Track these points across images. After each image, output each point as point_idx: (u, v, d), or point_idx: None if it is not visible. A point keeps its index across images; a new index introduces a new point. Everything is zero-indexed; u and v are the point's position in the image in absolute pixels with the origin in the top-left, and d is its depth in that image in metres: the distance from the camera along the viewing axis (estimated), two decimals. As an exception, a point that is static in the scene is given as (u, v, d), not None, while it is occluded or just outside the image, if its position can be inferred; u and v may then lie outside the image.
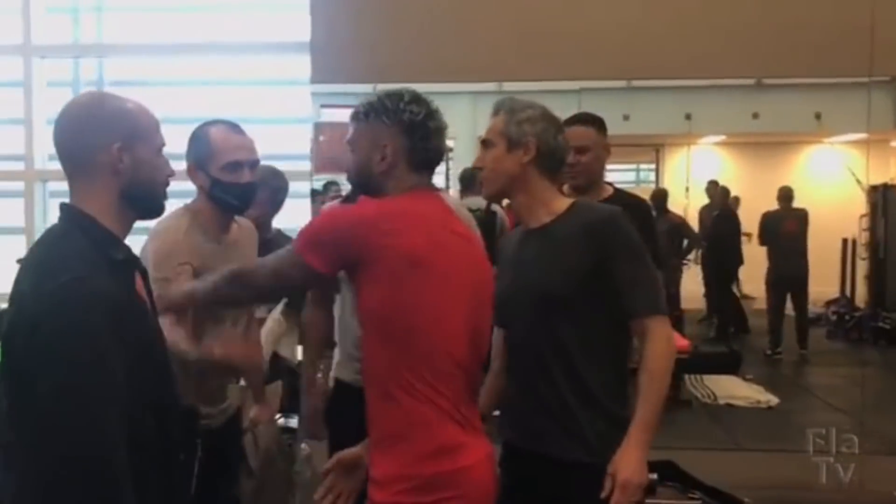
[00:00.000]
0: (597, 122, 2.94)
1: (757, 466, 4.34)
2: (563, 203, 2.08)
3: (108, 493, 1.34)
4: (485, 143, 2.07)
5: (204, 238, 2.34)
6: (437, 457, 1.74)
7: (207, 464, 2.39)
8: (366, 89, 5.26)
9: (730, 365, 6.65)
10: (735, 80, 7.83)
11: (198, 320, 2.28)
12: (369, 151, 1.83)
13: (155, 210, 1.61)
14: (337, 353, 2.69)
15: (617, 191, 3.02)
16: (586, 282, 1.95)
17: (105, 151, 1.50)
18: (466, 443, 1.78)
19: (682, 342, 5.55)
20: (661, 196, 8.01)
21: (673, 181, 9.70)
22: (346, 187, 8.09)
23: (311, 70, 4.22)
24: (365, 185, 1.89)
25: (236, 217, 2.47)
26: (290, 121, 5.24)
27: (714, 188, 8.86)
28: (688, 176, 10.57)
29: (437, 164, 1.87)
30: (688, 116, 10.02)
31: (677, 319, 7.38)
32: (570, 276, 1.95)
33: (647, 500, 2.05)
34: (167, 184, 1.61)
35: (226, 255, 2.33)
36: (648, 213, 3.10)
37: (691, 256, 8.06)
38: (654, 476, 2.98)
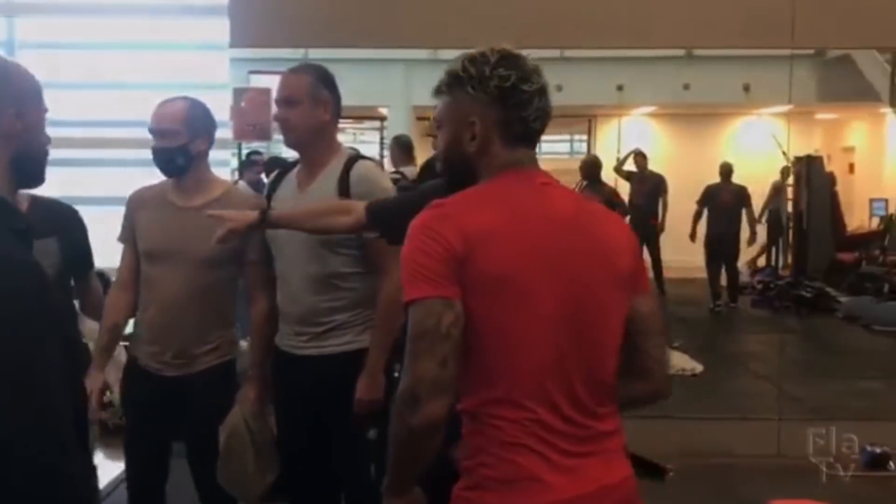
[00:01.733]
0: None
1: (682, 434, 4.40)
2: None
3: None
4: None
5: (159, 204, 2.51)
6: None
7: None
8: (296, 55, 5.16)
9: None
10: (666, 51, 7.94)
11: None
12: (457, 130, 1.58)
13: (39, 177, 1.52)
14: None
15: None
16: None
17: (1, 116, 1.42)
18: (548, 481, 1.45)
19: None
20: (591, 165, 7.09)
21: (605, 152, 9.76)
22: (277, 153, 7.73)
23: (230, 34, 4.06)
24: (458, 170, 1.61)
25: (234, 186, 2.62)
26: (212, 87, 5.05)
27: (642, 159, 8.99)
28: (619, 146, 10.68)
29: (541, 133, 1.59)
30: (619, 87, 10.13)
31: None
32: None
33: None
34: (48, 152, 1.52)
35: (185, 220, 2.45)
36: None
37: None
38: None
